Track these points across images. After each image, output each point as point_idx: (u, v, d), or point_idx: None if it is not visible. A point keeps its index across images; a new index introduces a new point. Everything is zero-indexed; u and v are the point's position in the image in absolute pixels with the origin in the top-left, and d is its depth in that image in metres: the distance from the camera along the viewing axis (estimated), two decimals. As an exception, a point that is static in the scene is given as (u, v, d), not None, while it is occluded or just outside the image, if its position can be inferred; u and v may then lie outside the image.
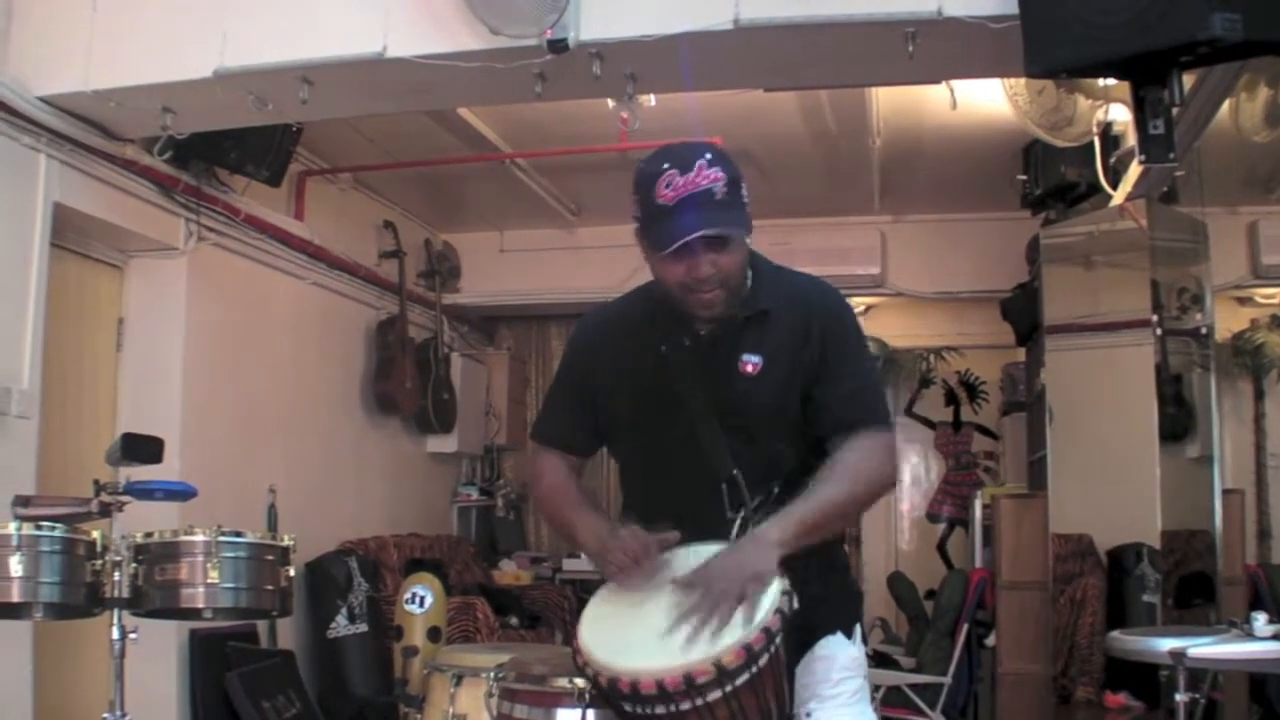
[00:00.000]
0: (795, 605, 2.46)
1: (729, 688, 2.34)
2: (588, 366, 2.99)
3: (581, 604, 8.71)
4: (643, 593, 2.58)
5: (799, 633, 2.61)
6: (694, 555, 2.59)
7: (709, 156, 2.61)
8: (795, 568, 2.52)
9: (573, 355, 3.10)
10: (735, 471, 2.71)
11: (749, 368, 2.76)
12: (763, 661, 2.38)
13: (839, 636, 2.82)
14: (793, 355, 2.76)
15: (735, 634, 2.36)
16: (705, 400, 2.76)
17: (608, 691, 2.43)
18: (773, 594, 2.43)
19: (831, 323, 2.81)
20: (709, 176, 2.58)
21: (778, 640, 2.42)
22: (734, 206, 2.62)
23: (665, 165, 2.60)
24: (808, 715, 2.73)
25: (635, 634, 2.48)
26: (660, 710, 2.36)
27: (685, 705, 2.34)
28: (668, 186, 2.57)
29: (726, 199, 2.60)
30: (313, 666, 7.23)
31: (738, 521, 2.66)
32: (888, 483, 2.79)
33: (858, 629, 2.89)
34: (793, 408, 2.78)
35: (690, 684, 2.31)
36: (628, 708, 2.42)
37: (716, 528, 2.65)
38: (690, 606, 2.43)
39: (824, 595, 2.67)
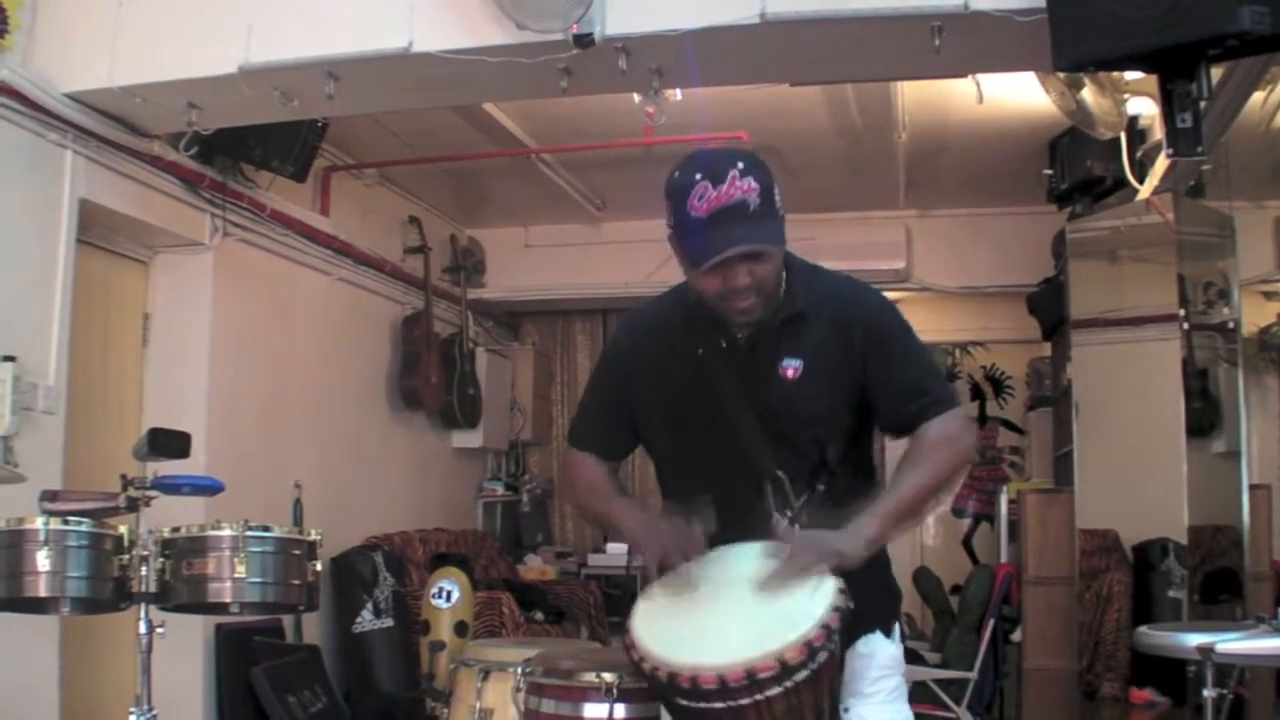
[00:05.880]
0: (851, 605, 2.46)
1: (789, 683, 2.35)
2: (625, 370, 2.96)
3: (607, 599, 8.68)
4: (697, 589, 2.58)
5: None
6: (738, 555, 2.61)
7: (741, 166, 2.54)
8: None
9: (610, 359, 3.09)
10: (779, 473, 2.70)
11: (790, 372, 2.73)
12: (822, 658, 2.39)
13: (878, 635, 2.81)
14: (833, 358, 2.74)
15: (798, 630, 2.37)
16: (746, 404, 2.73)
17: (665, 686, 2.42)
18: (831, 592, 2.44)
19: (873, 322, 2.77)
20: (742, 188, 2.52)
21: (836, 638, 2.42)
22: (768, 217, 2.56)
23: (698, 176, 2.53)
24: (845, 711, 2.72)
25: (691, 629, 2.50)
26: (719, 705, 2.37)
27: (745, 700, 2.35)
28: (700, 199, 2.52)
29: (760, 210, 2.54)
30: (338, 661, 7.25)
31: (785, 522, 2.64)
32: (967, 458, 2.83)
33: (896, 627, 2.89)
34: (837, 409, 2.76)
35: (752, 679, 2.32)
36: (684, 702, 2.42)
37: (760, 527, 2.63)
38: (773, 567, 2.50)
39: (865, 593, 2.64)
